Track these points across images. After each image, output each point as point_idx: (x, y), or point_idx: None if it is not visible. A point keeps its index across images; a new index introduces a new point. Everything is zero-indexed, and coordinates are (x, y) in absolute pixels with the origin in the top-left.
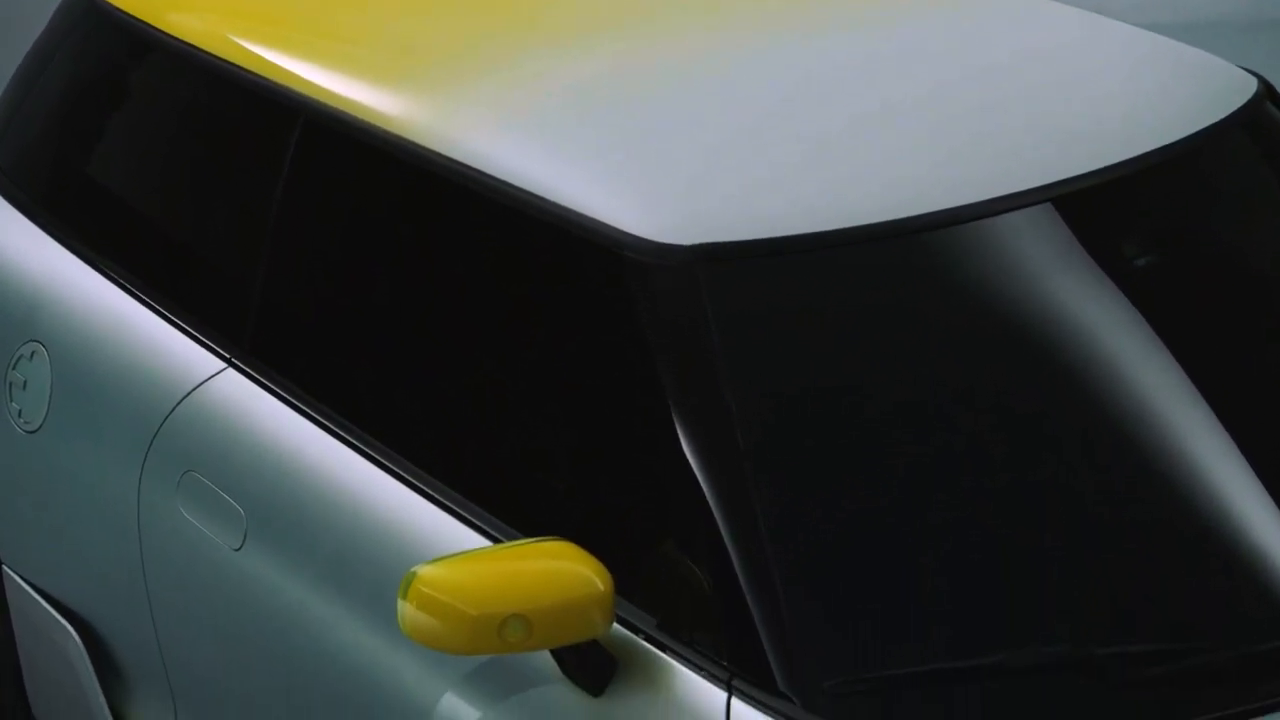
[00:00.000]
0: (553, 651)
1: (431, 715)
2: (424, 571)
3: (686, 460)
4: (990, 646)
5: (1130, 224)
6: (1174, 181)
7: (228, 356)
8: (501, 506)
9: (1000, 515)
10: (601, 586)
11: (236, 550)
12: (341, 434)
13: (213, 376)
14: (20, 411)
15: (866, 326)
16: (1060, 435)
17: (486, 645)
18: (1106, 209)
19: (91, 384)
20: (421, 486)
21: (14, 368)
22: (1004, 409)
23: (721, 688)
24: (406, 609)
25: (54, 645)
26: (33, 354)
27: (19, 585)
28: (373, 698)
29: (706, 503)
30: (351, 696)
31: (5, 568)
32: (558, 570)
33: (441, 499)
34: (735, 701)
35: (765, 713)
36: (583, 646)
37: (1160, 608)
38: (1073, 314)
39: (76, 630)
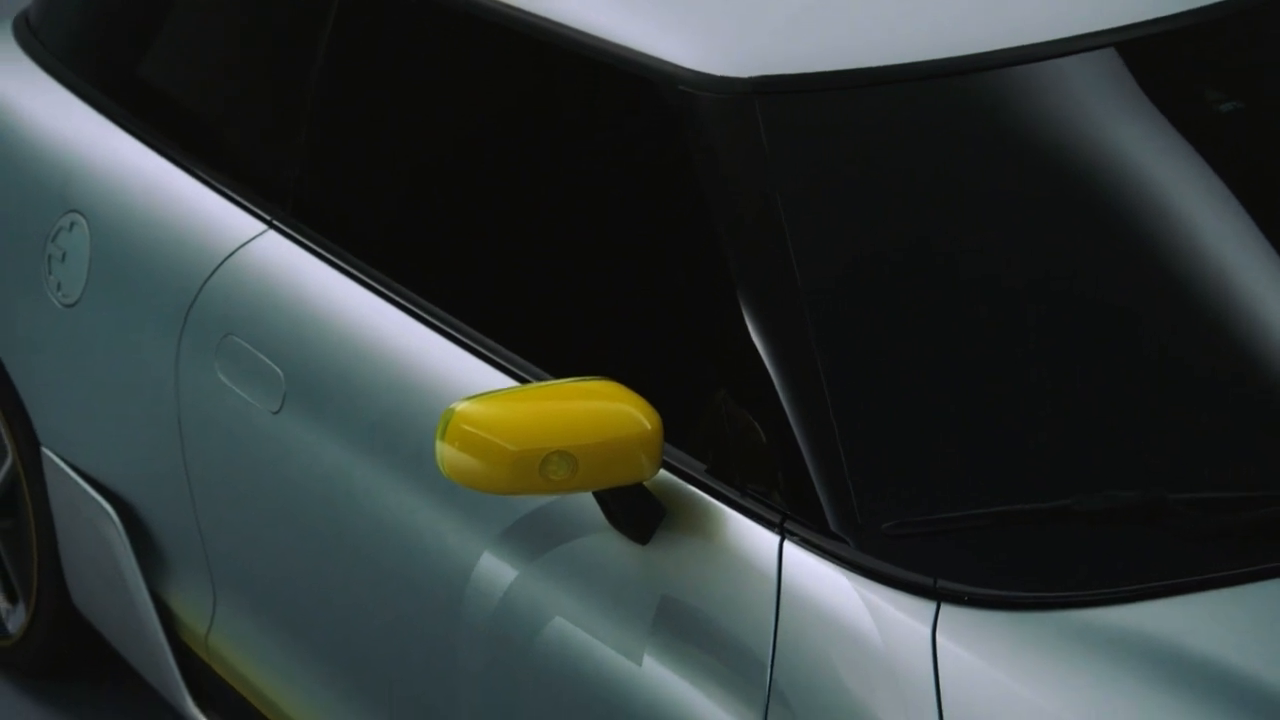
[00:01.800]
0: (598, 499)
1: (473, 572)
2: (463, 408)
3: (740, 300)
4: (1050, 490)
5: (1197, 76)
6: (1247, 35)
7: (269, 218)
8: (549, 356)
9: (1063, 357)
10: (649, 426)
11: (275, 414)
12: (384, 290)
13: (254, 239)
14: (60, 285)
15: (924, 164)
16: (1124, 276)
17: (528, 483)
18: (1175, 58)
19: (130, 252)
20: (466, 340)
21: (54, 240)
22: (1064, 246)
23: (774, 531)
24: (445, 449)
25: (93, 527)
26: (72, 225)
27: (58, 467)
28: (412, 556)
29: (761, 344)
30: (390, 556)
31: (44, 449)
32: (604, 409)
33: (487, 352)
34: (788, 545)
35: (818, 555)
36: (628, 492)
37: (1229, 454)
38: (1133, 160)
39: (115, 510)
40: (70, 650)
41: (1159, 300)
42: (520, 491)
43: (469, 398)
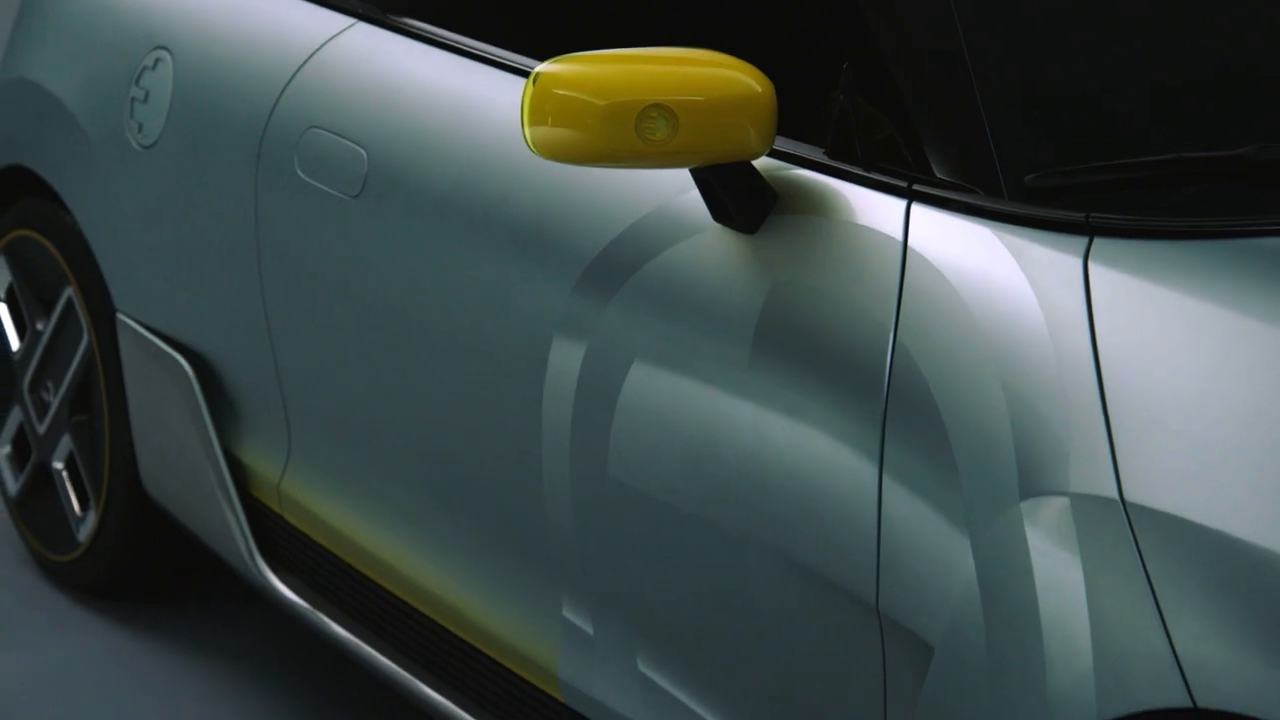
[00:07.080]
0: (700, 187)
1: (558, 326)
2: (547, 69)
3: None
4: (1215, 144)
5: None
6: None
7: (358, 12)
8: None
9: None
10: (759, 89)
11: (355, 197)
12: (473, 53)
13: (340, 33)
14: (140, 126)
15: None
16: None
17: (624, 143)
18: None
19: (214, 70)
20: None
21: (137, 82)
22: None
23: (900, 196)
24: (532, 124)
25: (166, 386)
26: (156, 62)
27: (133, 330)
28: (493, 323)
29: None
30: (469, 327)
31: (119, 315)
32: (708, 71)
33: None
34: (915, 207)
35: (951, 211)
36: (736, 172)
37: None
38: None
39: (189, 363)
40: (136, 564)
41: None
42: (616, 156)
43: (555, 59)
